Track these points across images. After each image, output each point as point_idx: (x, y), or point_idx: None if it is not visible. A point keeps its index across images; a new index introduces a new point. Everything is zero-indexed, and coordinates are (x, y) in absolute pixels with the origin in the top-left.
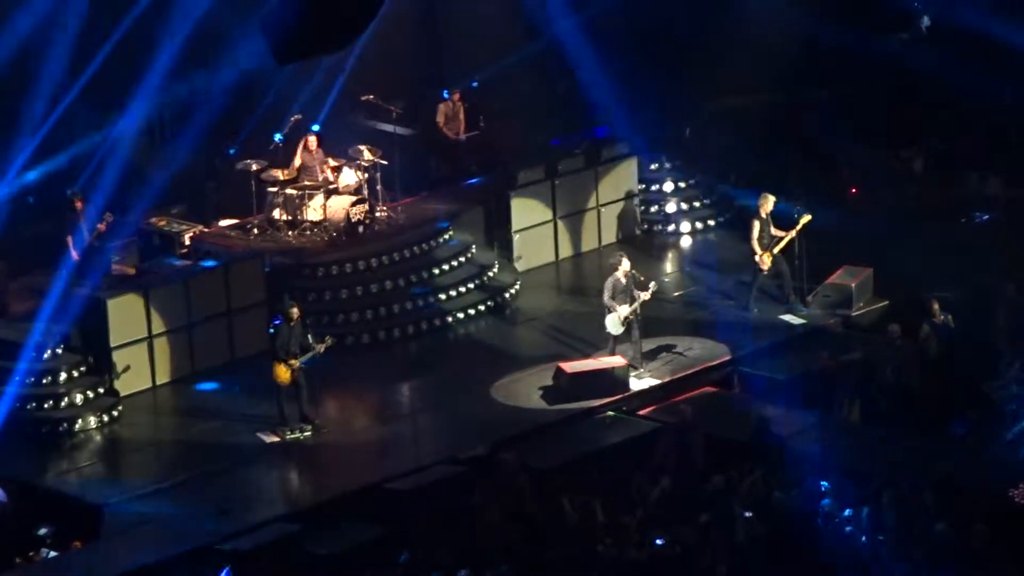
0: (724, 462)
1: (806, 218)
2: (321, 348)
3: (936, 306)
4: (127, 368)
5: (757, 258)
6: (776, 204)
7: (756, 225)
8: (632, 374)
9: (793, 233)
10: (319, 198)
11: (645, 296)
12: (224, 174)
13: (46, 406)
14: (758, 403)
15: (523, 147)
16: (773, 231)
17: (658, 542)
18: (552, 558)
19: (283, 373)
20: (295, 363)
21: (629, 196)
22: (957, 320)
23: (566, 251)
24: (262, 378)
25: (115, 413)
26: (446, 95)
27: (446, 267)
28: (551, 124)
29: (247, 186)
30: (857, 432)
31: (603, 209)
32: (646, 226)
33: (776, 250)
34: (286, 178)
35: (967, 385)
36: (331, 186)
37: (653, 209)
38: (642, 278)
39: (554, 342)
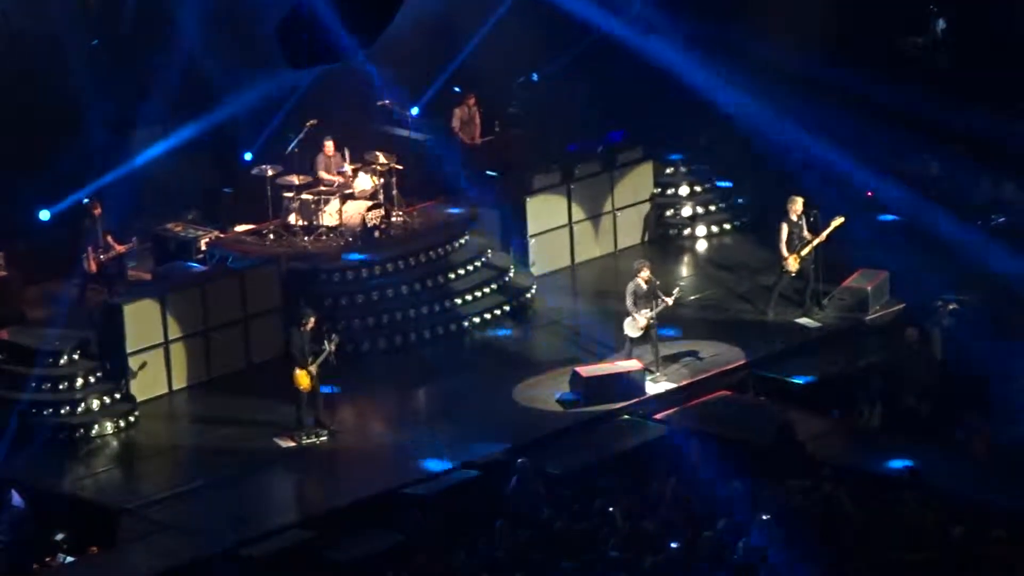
0: (742, 466)
1: (838, 221)
2: (332, 347)
3: (945, 308)
4: (143, 365)
5: (784, 261)
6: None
7: (784, 228)
8: (648, 378)
9: (824, 236)
10: (335, 203)
11: (668, 302)
12: (240, 179)
13: (63, 412)
14: (776, 407)
15: (539, 151)
16: (805, 233)
17: (673, 546)
18: (568, 564)
19: (303, 379)
20: (313, 368)
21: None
22: (972, 322)
23: (582, 255)
24: (278, 384)
25: (131, 419)
26: (458, 90)
27: (462, 271)
28: (567, 128)
29: (263, 191)
30: (877, 437)
31: (619, 213)
32: (662, 230)
33: (804, 253)
34: (301, 183)
35: (973, 387)
36: (347, 191)
37: (669, 213)
38: (659, 281)
39: (571, 346)
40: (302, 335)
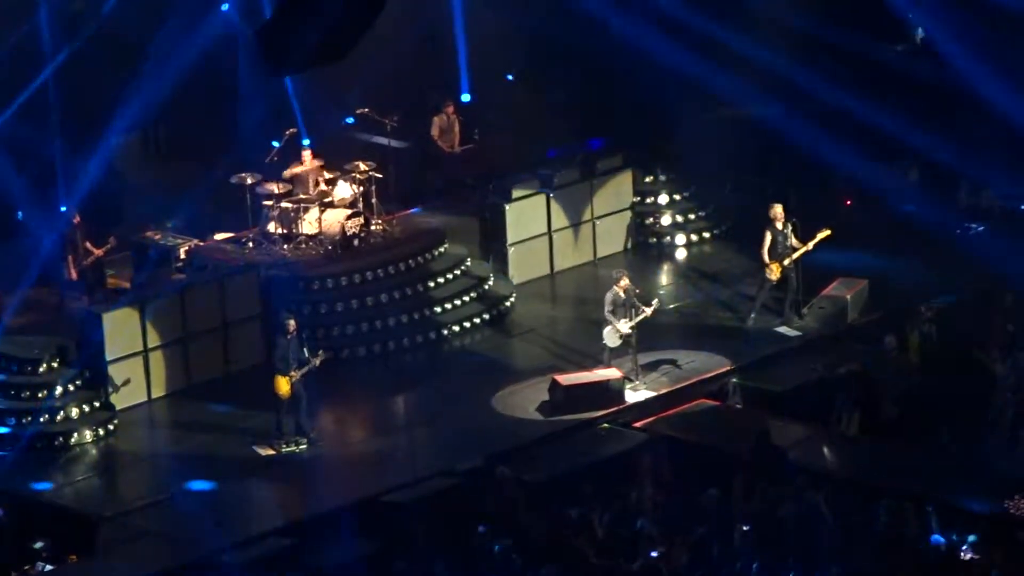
0: (721, 474)
1: (824, 233)
2: (317, 361)
3: (926, 313)
4: (127, 381)
5: (766, 268)
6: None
7: (768, 235)
8: (628, 386)
9: (810, 246)
10: (314, 211)
11: (648, 312)
12: (220, 187)
13: (42, 420)
14: (756, 415)
15: (518, 159)
16: (790, 242)
17: (653, 555)
18: (548, 571)
19: (284, 386)
20: (294, 375)
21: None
22: (950, 329)
23: (561, 263)
24: (257, 391)
25: (111, 427)
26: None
27: (441, 279)
28: (547, 136)
29: (242, 199)
30: (856, 444)
31: (598, 221)
32: (642, 238)
33: (787, 262)
34: (281, 191)
35: (954, 393)
36: (326, 199)
37: (649, 221)
38: (638, 290)
39: (550, 354)
40: (288, 342)
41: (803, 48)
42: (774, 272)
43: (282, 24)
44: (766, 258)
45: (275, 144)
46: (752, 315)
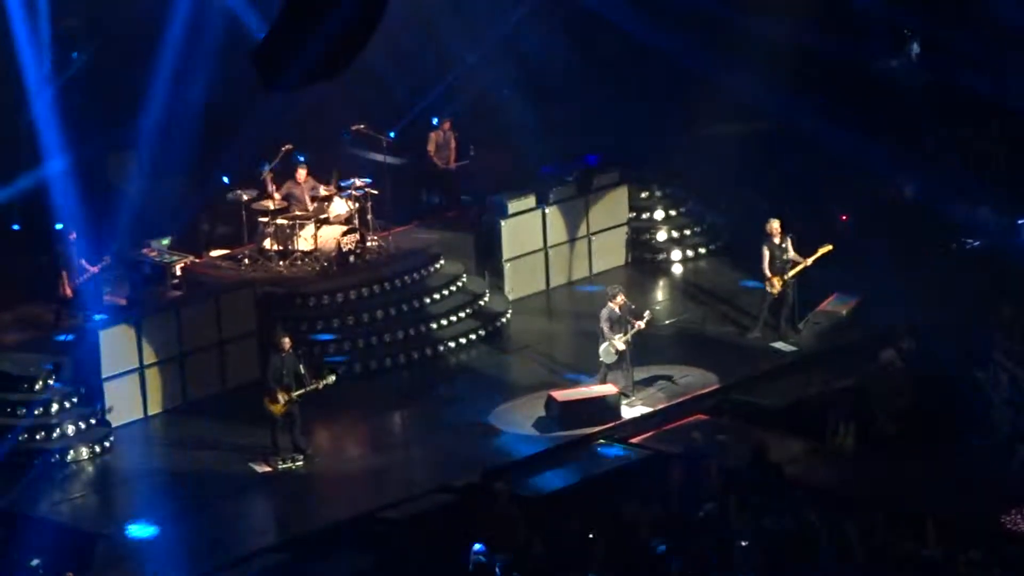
0: (717, 490)
1: (825, 248)
2: (320, 384)
3: (906, 329)
4: (110, 409)
5: (767, 282)
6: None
7: (766, 251)
8: (624, 402)
9: (809, 261)
10: (310, 228)
11: (640, 325)
12: (216, 204)
13: (38, 437)
14: (752, 431)
15: (514, 175)
16: (791, 255)
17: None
18: None
19: (275, 404)
20: (289, 394)
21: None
22: (945, 346)
23: (557, 279)
24: (254, 408)
25: (107, 444)
26: (436, 122)
27: (437, 296)
28: (542, 152)
29: (238, 216)
30: (851, 458)
31: (594, 237)
32: (637, 254)
33: (788, 276)
34: (277, 208)
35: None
36: (322, 216)
37: (645, 237)
38: (633, 306)
39: (546, 370)
40: (282, 360)
41: (798, 63)
42: (775, 286)
43: (277, 41)
44: (767, 272)
45: (266, 167)
46: (755, 329)
